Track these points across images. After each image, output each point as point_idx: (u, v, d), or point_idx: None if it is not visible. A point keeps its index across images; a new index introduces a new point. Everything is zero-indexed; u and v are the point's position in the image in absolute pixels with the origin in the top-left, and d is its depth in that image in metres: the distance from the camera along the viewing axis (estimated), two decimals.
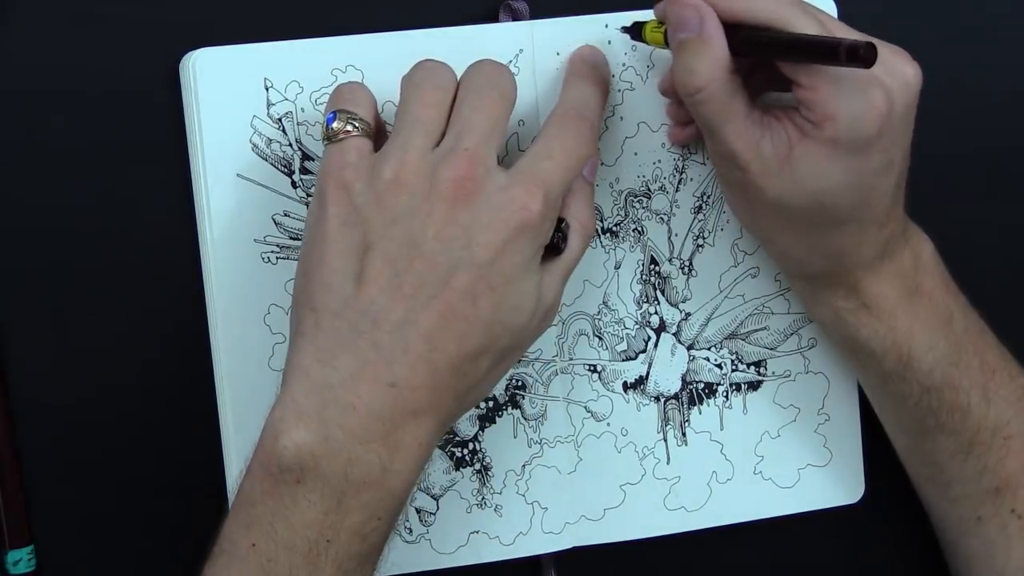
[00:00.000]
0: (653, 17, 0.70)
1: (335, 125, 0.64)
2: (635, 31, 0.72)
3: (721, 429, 0.77)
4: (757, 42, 0.65)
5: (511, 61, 0.72)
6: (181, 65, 0.70)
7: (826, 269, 0.70)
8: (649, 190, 0.75)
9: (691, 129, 0.73)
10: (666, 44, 0.68)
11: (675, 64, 0.66)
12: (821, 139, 0.64)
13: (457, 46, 0.70)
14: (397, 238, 0.61)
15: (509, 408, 0.75)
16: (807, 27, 0.64)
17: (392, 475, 0.61)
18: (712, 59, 0.65)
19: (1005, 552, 0.73)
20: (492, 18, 0.74)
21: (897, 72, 0.64)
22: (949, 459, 0.73)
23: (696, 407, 0.77)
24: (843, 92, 0.63)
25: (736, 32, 0.65)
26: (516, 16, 0.74)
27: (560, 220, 0.65)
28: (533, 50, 0.72)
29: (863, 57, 0.59)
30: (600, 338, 0.76)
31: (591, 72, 0.71)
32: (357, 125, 0.64)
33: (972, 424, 0.72)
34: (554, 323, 0.74)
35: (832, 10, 0.75)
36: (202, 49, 0.69)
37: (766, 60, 0.67)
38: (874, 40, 0.61)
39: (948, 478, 0.74)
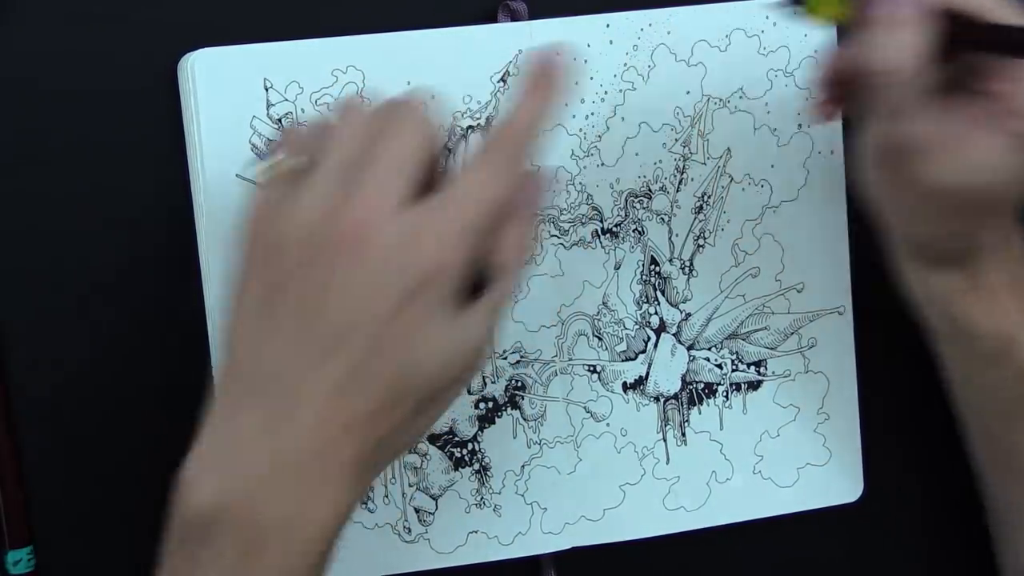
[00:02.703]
0: None
1: (261, 166, 0.61)
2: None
3: (721, 429, 0.77)
4: (964, 32, 0.63)
5: (510, 61, 0.72)
6: (180, 65, 0.70)
7: (951, 251, 0.70)
8: (650, 190, 0.75)
9: (842, 107, 0.71)
10: (832, 19, 0.66)
11: (872, 40, 0.63)
12: (1007, 132, 0.63)
13: (456, 46, 0.71)
14: (296, 291, 0.58)
15: (508, 408, 0.75)
16: (1011, 19, 0.62)
17: (306, 526, 0.57)
18: (913, 41, 0.63)
19: None
20: (491, 18, 0.74)
21: None
22: None
23: (696, 407, 0.77)
24: None
25: (941, 20, 0.63)
26: (515, 16, 0.74)
27: (488, 255, 0.60)
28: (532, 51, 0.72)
29: None
30: (599, 338, 0.76)
31: (536, 85, 0.63)
32: (280, 169, 0.61)
33: None
34: (554, 323, 0.74)
35: None
36: (201, 49, 0.69)
37: (967, 51, 0.65)
38: None
39: None
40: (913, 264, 0.72)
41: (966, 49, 0.65)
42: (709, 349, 0.77)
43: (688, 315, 0.77)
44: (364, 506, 0.73)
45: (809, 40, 0.76)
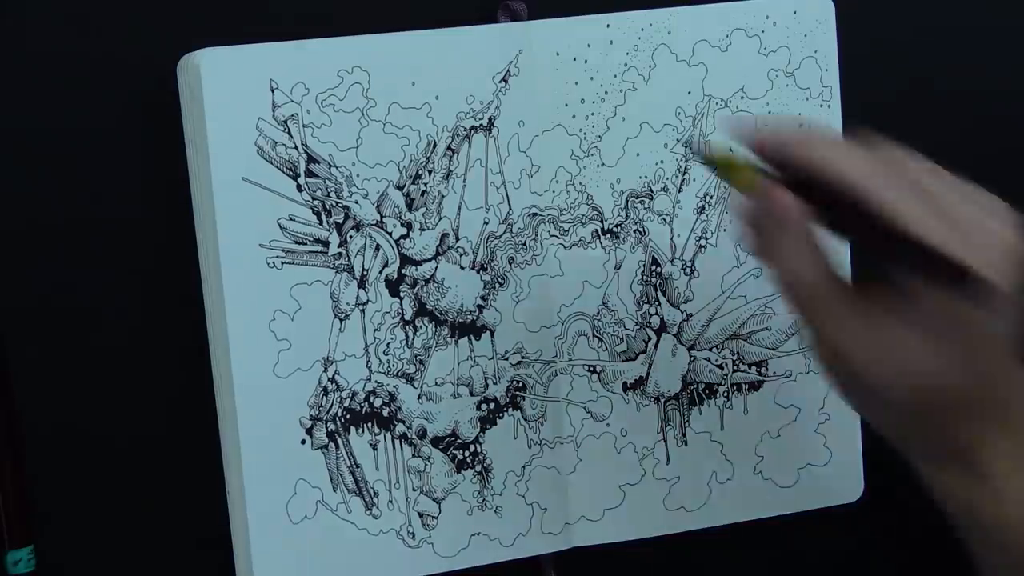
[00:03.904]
0: (733, 149, 0.63)
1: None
2: (712, 163, 0.64)
3: (721, 429, 0.77)
4: (854, 230, 0.60)
5: (511, 61, 0.72)
6: (179, 67, 0.69)
7: (935, 450, 0.62)
8: (651, 191, 0.75)
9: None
10: (744, 188, 0.61)
11: (773, 257, 0.60)
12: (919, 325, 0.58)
13: (458, 47, 0.71)
14: None
15: (510, 409, 0.75)
16: (917, 219, 0.57)
17: None
18: (809, 251, 0.59)
19: None
20: (491, 18, 0.74)
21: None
22: None
23: (696, 407, 0.77)
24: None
25: (835, 208, 0.59)
26: (515, 16, 0.73)
27: None
28: (532, 51, 0.72)
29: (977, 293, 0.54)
30: (600, 339, 0.76)
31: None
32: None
33: None
34: (554, 323, 0.75)
35: (830, 9, 0.76)
36: (206, 49, 0.69)
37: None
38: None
39: None
40: (913, 458, 0.64)
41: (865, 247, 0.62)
42: (710, 350, 0.77)
43: (689, 316, 0.76)
44: (369, 512, 0.73)
45: (809, 40, 0.76)
